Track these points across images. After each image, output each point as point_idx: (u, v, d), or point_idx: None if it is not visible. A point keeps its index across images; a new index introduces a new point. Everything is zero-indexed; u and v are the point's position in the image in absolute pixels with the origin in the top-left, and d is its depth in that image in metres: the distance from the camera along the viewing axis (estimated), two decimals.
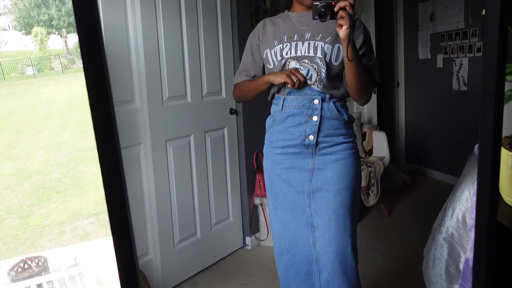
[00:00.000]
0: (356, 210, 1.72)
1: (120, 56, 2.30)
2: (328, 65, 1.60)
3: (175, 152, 2.59)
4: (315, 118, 1.61)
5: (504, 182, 1.16)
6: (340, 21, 1.42)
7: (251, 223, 3.17)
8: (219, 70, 2.88)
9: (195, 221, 2.79)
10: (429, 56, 4.69)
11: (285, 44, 1.63)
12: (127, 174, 2.23)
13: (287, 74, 1.56)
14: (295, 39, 1.63)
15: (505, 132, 1.15)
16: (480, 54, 4.04)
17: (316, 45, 1.59)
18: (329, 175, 1.63)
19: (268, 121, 1.76)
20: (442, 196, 4.21)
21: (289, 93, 1.65)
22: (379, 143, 3.84)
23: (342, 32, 1.43)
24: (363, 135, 3.95)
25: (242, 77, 1.77)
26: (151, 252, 2.54)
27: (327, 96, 1.63)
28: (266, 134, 1.77)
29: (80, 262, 2.24)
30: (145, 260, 2.51)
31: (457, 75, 4.33)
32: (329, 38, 1.60)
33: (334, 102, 1.64)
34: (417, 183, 4.63)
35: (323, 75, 1.60)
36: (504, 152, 1.11)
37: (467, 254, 2.05)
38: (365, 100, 1.67)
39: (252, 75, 1.76)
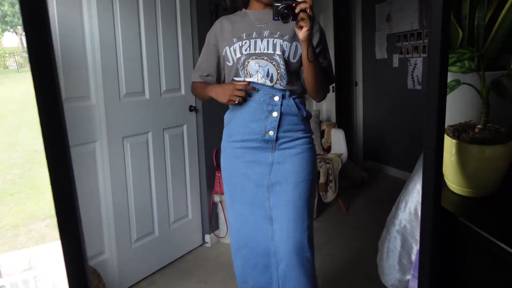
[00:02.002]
0: (312, 203, 1.76)
1: (75, 51, 2.25)
2: (287, 62, 1.63)
3: (133, 150, 2.55)
4: (275, 114, 1.64)
5: (448, 169, 1.20)
6: (301, 23, 1.45)
7: (211, 221, 3.16)
8: (178, 66, 2.86)
9: (153, 219, 2.75)
10: (386, 56, 4.81)
11: (244, 41, 1.64)
12: (82, 172, 2.17)
13: (229, 95, 1.62)
14: (253, 36, 1.64)
15: (449, 121, 1.20)
16: None
17: (274, 42, 1.62)
18: (288, 169, 1.67)
19: (227, 116, 1.77)
20: (398, 192, 4.32)
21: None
22: (337, 141, 3.91)
23: (302, 33, 1.47)
24: (322, 133, 4.02)
25: (196, 77, 1.80)
26: (107, 251, 2.49)
27: (287, 93, 1.66)
28: (224, 129, 1.79)
29: (34, 266, 2.17)
30: (101, 259, 2.47)
31: (411, 75, 4.46)
32: (287, 36, 1.63)
33: (293, 99, 1.68)
34: (374, 180, 4.74)
35: (283, 71, 1.62)
36: (448, 140, 1.16)
37: (419, 245, 2.12)
38: (322, 97, 1.74)
39: (205, 75, 1.78)
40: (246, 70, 1.65)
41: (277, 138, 1.65)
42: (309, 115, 1.74)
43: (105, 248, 2.49)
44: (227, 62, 1.69)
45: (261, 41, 1.63)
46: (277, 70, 1.63)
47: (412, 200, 2.22)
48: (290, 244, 1.67)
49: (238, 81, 1.68)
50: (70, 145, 2.18)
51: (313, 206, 1.79)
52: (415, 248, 2.17)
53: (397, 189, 4.36)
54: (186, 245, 3.02)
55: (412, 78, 4.45)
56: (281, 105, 1.64)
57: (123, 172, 2.50)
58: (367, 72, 5.11)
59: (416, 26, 4.31)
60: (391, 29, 4.67)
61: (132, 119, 2.53)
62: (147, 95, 2.64)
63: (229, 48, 1.66)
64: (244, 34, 1.65)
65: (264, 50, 1.62)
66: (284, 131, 1.66)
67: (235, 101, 1.61)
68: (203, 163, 3.09)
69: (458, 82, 1.21)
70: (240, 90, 1.62)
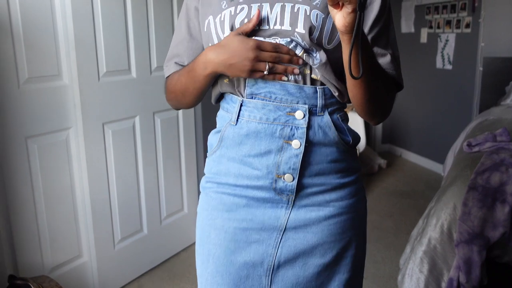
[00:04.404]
0: None
1: (41, 19, 1.84)
2: (318, 47, 0.90)
3: (116, 137, 2.18)
4: (296, 143, 0.92)
5: None
6: None
7: None
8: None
9: (141, 216, 2.41)
10: (413, 30, 4.32)
11: (239, 7, 0.92)
12: (53, 164, 1.68)
13: (255, 57, 0.88)
14: None
15: None
16: (468, 30, 3.69)
17: (296, 9, 0.88)
18: (312, 242, 0.97)
19: (212, 139, 1.03)
20: (419, 184, 3.96)
21: (250, 94, 0.94)
22: (354, 125, 3.50)
23: (344, 17, 0.74)
24: (345, 112, 3.61)
25: (171, 67, 1.07)
26: (85, 254, 2.16)
27: (320, 102, 0.94)
28: (207, 159, 1.06)
29: None
30: (78, 263, 2.14)
31: (441, 53, 3.99)
32: (319, 0, 0.90)
33: (331, 113, 0.95)
34: (392, 166, 4.34)
35: (316, 57, 0.90)
36: None
37: (451, 272, 1.74)
38: (381, 119, 0.99)
39: (186, 62, 1.04)
40: None
41: (298, 187, 0.95)
42: (356, 140, 1.02)
43: (83, 250, 2.16)
44: (210, 45, 0.97)
45: (271, 7, 0.90)
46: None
47: (445, 217, 1.83)
48: None
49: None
50: (39, 133, 1.80)
51: None
52: (446, 275, 1.80)
53: (417, 179, 4.00)
54: (180, 242, 2.68)
55: (442, 56, 3.98)
56: (309, 126, 0.93)
57: (103, 163, 2.13)
58: None
59: None
60: None
61: (114, 102, 2.14)
62: (133, 74, 2.24)
63: (214, 18, 0.95)
64: None
65: (275, 24, 0.90)
66: (313, 174, 0.95)
67: (263, 71, 0.89)
68: (201, 148, 2.72)
69: None
70: (270, 51, 0.89)
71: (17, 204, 1.86)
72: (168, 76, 1.08)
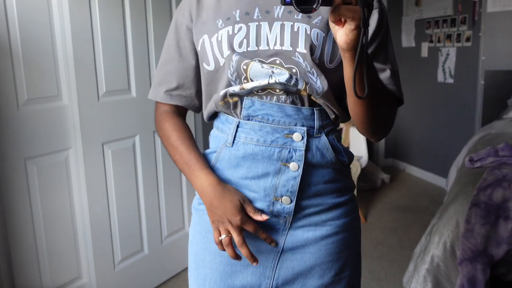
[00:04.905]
0: None
1: (41, 41, 1.86)
2: (319, 68, 0.88)
3: (115, 157, 2.17)
4: (294, 166, 0.91)
5: None
6: (343, 10, 0.68)
7: None
8: None
9: (141, 236, 2.39)
10: (413, 44, 4.32)
11: (237, 26, 0.89)
12: (52, 184, 1.63)
13: (220, 224, 0.91)
14: (255, 16, 0.89)
15: None
16: (469, 44, 3.69)
17: (296, 29, 0.87)
18: (310, 263, 0.96)
19: (207, 158, 1.01)
20: (422, 199, 3.92)
21: (247, 116, 0.92)
22: (357, 141, 3.49)
23: (346, 34, 0.71)
24: (339, 132, 3.59)
25: (161, 94, 1.02)
26: (84, 275, 2.14)
27: (317, 124, 0.93)
28: None
29: None
30: (77, 285, 2.12)
31: (443, 66, 3.98)
32: (319, 18, 0.88)
33: (327, 134, 0.95)
34: (395, 181, 4.31)
35: (314, 85, 0.88)
36: None
37: None
38: (382, 135, 0.97)
39: (173, 87, 1.01)
40: (247, 77, 0.89)
41: (296, 209, 0.94)
42: (351, 159, 1.01)
43: (82, 271, 2.14)
44: (205, 65, 0.94)
45: (270, 27, 0.88)
46: (305, 82, 0.89)
47: (447, 233, 1.80)
48: None
49: (236, 94, 0.92)
50: (38, 154, 1.79)
51: None
52: None
53: (420, 194, 3.97)
54: (181, 262, 2.65)
55: (443, 70, 3.97)
56: (307, 149, 0.92)
57: (103, 183, 2.13)
58: None
59: (450, 12, 3.81)
60: (421, 14, 4.17)
61: (114, 122, 2.14)
62: (133, 93, 2.24)
63: (210, 38, 0.92)
64: (238, 11, 0.91)
65: (275, 44, 0.87)
66: (310, 196, 0.94)
67: (217, 238, 0.93)
68: None
69: None
70: (249, 223, 0.91)
71: (15, 226, 1.85)
72: (159, 108, 1.05)
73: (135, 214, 2.34)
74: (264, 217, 0.90)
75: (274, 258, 0.95)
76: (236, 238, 0.89)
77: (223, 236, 0.91)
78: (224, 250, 0.92)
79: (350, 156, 1.01)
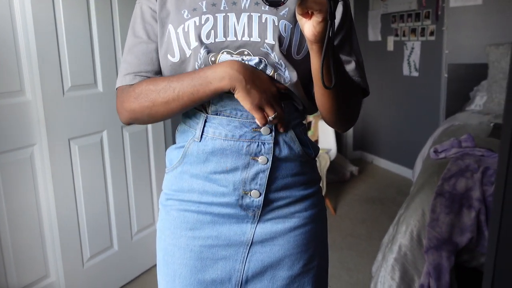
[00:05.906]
0: None
1: (1, 36, 1.80)
2: (286, 59, 0.88)
3: (82, 153, 2.13)
4: (263, 159, 0.91)
5: None
6: (311, 4, 0.70)
7: None
8: None
9: (110, 232, 2.36)
10: (380, 38, 4.40)
11: (204, 17, 0.88)
12: (17, 182, 1.55)
13: (273, 95, 0.88)
14: (222, 7, 0.88)
15: None
16: (433, 38, 3.78)
17: (264, 20, 0.87)
18: (279, 254, 0.96)
19: (173, 155, 0.99)
20: (390, 190, 4.01)
21: (215, 111, 0.91)
22: (326, 134, 3.53)
23: (313, 26, 0.73)
24: (308, 125, 3.62)
25: (128, 79, 0.95)
26: (52, 273, 2.10)
27: (286, 116, 0.92)
28: (166, 176, 1.02)
29: None
30: (45, 284, 2.07)
31: (408, 60, 4.07)
32: (286, 10, 0.88)
33: (294, 127, 0.95)
34: (364, 173, 4.39)
35: (282, 77, 0.88)
36: None
37: (422, 279, 1.76)
38: (348, 126, 1.00)
39: (142, 71, 0.94)
40: None
41: (265, 202, 0.94)
42: (316, 152, 1.02)
43: (50, 270, 2.10)
44: (170, 57, 0.91)
45: (238, 18, 0.88)
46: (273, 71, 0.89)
47: (414, 223, 1.85)
48: None
49: None
50: (2, 150, 1.73)
51: None
52: (417, 281, 1.82)
53: (388, 185, 4.05)
54: (152, 257, 2.63)
55: (409, 63, 4.06)
56: (275, 142, 0.92)
57: (70, 179, 2.08)
58: None
59: (415, 6, 3.90)
60: (386, 8, 4.25)
61: (80, 117, 2.10)
62: (100, 88, 2.20)
63: (176, 29, 0.90)
64: (204, 2, 0.89)
65: (243, 36, 0.87)
66: (279, 188, 0.94)
67: (265, 119, 0.87)
68: None
69: None
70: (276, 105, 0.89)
71: None
72: (124, 86, 0.95)
73: (104, 210, 2.30)
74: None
75: (244, 252, 0.95)
76: (279, 110, 0.88)
77: (272, 116, 0.87)
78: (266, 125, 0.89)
79: (316, 149, 1.02)
